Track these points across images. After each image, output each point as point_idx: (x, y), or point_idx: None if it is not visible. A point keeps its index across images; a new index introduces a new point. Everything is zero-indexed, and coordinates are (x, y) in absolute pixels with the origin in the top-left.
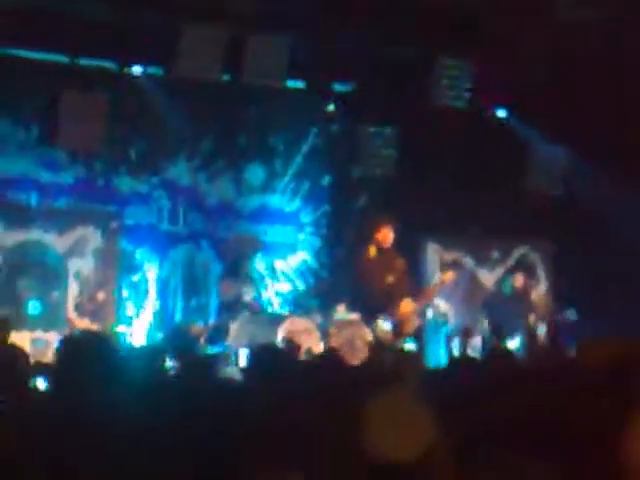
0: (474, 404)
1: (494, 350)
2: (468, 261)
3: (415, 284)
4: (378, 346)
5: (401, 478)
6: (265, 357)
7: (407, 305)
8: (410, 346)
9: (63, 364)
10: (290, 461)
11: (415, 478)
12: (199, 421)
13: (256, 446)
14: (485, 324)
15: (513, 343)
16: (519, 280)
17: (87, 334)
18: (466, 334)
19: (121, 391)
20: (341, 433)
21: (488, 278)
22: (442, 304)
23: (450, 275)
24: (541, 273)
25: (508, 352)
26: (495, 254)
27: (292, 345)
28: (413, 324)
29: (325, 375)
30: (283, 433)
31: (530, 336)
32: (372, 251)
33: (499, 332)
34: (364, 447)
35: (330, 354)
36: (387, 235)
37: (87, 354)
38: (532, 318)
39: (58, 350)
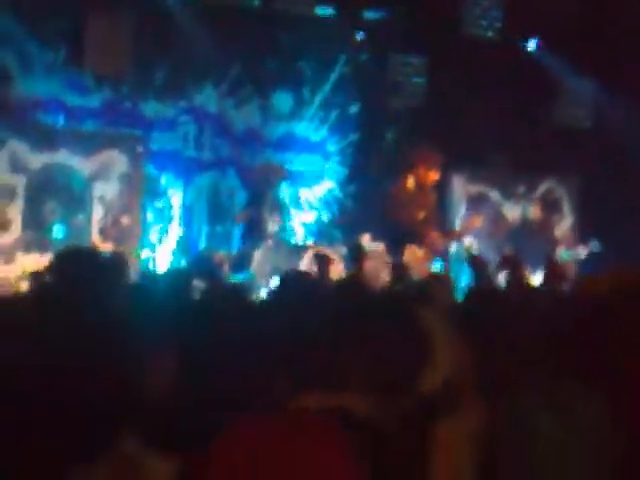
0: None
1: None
2: (494, 195)
3: (442, 218)
4: (401, 270)
5: (429, 401)
6: (292, 280)
7: (437, 239)
8: (438, 268)
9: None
10: (317, 382)
11: (443, 401)
12: (226, 342)
13: (282, 366)
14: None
15: (537, 276)
16: (536, 211)
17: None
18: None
19: (145, 313)
20: (370, 356)
21: (513, 212)
22: (466, 238)
23: (478, 221)
24: (566, 207)
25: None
26: (521, 188)
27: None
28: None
29: (352, 296)
30: (311, 355)
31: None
32: (410, 183)
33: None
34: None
35: (356, 277)
36: (432, 174)
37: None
38: (557, 252)
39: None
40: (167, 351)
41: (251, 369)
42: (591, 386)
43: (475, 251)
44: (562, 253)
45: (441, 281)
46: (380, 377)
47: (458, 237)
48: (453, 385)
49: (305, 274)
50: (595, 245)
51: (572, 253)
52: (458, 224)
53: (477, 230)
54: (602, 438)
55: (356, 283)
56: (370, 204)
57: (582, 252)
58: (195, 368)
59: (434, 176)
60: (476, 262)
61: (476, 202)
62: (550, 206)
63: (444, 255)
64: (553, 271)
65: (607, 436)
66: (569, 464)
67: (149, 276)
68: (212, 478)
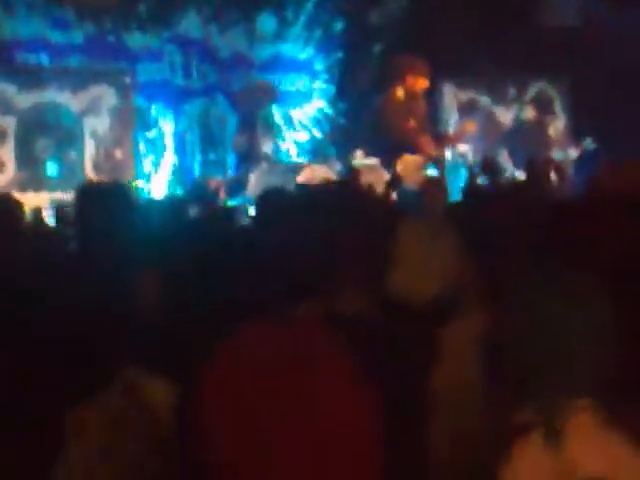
0: (500, 231)
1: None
2: (484, 100)
3: (433, 126)
4: (395, 181)
5: (427, 309)
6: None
7: (429, 148)
8: (432, 172)
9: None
10: (310, 290)
11: (441, 308)
12: (221, 261)
13: (281, 276)
14: (504, 158)
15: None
16: (530, 112)
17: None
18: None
19: (143, 238)
20: (364, 261)
21: (505, 116)
22: (460, 145)
23: (472, 125)
24: (559, 107)
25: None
26: (512, 91)
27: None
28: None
29: (345, 201)
30: (306, 263)
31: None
32: (399, 93)
33: (520, 165)
34: (389, 277)
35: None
36: (420, 82)
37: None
38: (551, 152)
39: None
40: (166, 272)
41: (249, 283)
42: (592, 277)
43: (469, 158)
44: (555, 154)
45: (435, 184)
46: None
47: (452, 143)
48: (453, 290)
49: (282, 190)
50: (589, 144)
51: (565, 154)
52: (451, 132)
53: (470, 136)
54: (606, 325)
55: (346, 190)
56: (361, 120)
57: (575, 152)
58: (193, 286)
59: (422, 84)
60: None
61: (467, 109)
62: (543, 107)
63: (438, 161)
64: (547, 170)
65: (611, 324)
66: (574, 350)
67: (145, 204)
68: (209, 391)
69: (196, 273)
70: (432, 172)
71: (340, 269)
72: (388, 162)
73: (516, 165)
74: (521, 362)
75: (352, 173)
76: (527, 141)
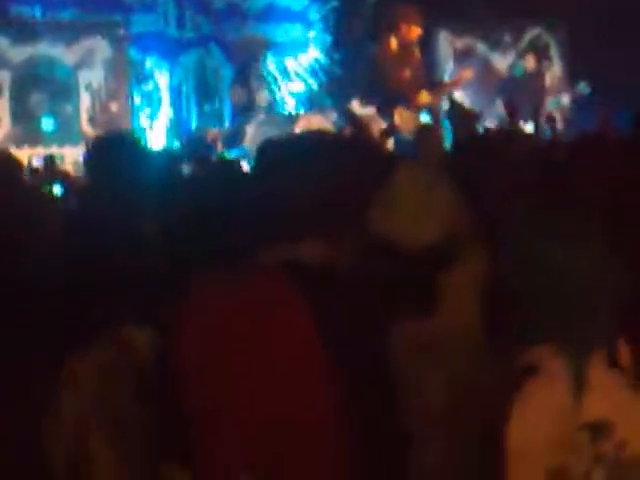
0: (495, 179)
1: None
2: (480, 47)
3: (429, 75)
4: (390, 130)
5: (425, 257)
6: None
7: (425, 97)
8: (426, 119)
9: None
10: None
11: (440, 256)
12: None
13: (274, 223)
14: (500, 108)
15: (528, 126)
16: (530, 62)
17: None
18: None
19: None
20: (359, 211)
21: (501, 63)
22: (456, 93)
23: (469, 73)
24: (554, 53)
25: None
26: (507, 37)
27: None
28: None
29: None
30: (302, 210)
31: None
32: (393, 42)
33: (514, 114)
34: (384, 223)
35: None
36: (414, 30)
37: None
38: (547, 100)
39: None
40: (164, 223)
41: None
42: (594, 219)
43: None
44: (550, 101)
45: (429, 131)
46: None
47: (448, 91)
48: (451, 236)
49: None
50: (584, 87)
51: (560, 100)
52: (447, 80)
53: (466, 84)
54: (605, 266)
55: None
56: (357, 69)
57: (570, 98)
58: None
59: (416, 32)
60: (457, 110)
61: (463, 56)
62: (539, 53)
63: (433, 110)
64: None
65: (612, 266)
66: (576, 293)
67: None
68: (180, 338)
69: (190, 225)
70: (426, 120)
71: (326, 217)
72: (385, 112)
73: (510, 115)
74: (522, 305)
75: (355, 121)
76: (525, 90)
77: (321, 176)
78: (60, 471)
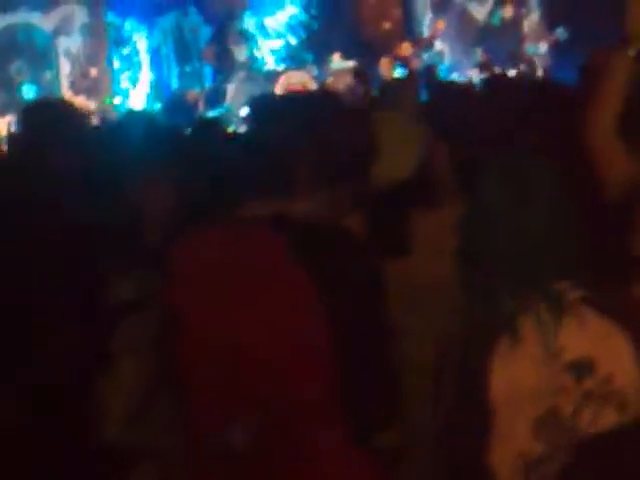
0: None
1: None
2: None
3: (408, 28)
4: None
5: (400, 192)
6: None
7: (406, 48)
8: (401, 72)
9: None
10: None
11: (415, 191)
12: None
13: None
14: (480, 56)
15: (509, 73)
16: (508, 10)
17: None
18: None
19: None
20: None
21: (479, 11)
22: (436, 43)
23: (442, 24)
24: (532, 1)
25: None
26: None
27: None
28: (413, 66)
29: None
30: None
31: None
32: None
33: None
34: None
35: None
36: None
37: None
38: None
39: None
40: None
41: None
42: (547, 159)
43: (445, 55)
44: (528, 48)
45: (403, 82)
46: (326, 171)
47: (428, 44)
48: (425, 177)
49: (271, 95)
50: (562, 33)
51: (538, 46)
52: (426, 31)
53: (445, 34)
54: (557, 209)
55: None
56: (336, 24)
57: (547, 44)
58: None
59: None
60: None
61: (441, 6)
62: (517, 1)
63: (407, 61)
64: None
65: (562, 208)
66: (545, 234)
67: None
68: (166, 293)
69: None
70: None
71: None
72: (366, 64)
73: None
74: (495, 251)
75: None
76: (502, 38)
77: (310, 131)
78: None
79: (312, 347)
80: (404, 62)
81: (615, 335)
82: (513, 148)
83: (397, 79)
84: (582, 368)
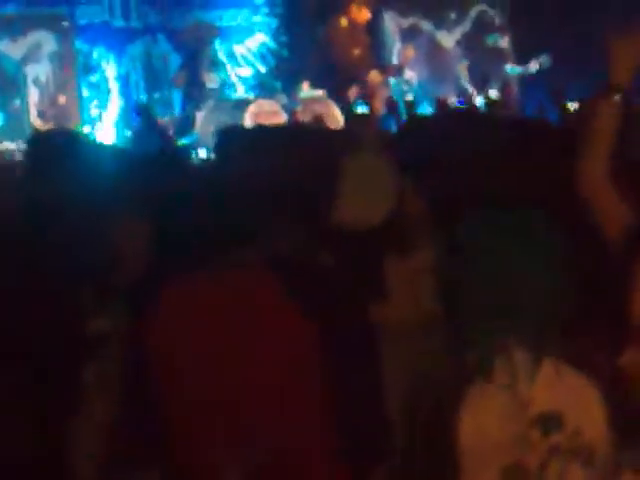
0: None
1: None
2: (426, 25)
3: (377, 55)
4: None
5: (373, 239)
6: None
7: (375, 76)
8: (362, 109)
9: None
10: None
11: (388, 237)
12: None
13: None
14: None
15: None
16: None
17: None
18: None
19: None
20: (309, 194)
21: (447, 40)
22: (406, 71)
23: (411, 51)
24: (502, 26)
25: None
26: (453, 15)
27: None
28: (382, 94)
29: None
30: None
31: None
32: (343, 22)
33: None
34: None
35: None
36: (364, 13)
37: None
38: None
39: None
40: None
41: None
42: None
43: (414, 83)
44: (509, 69)
45: (363, 118)
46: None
47: (396, 72)
48: (397, 223)
49: (240, 127)
50: (545, 60)
51: (520, 69)
52: (395, 59)
53: (415, 62)
54: (539, 261)
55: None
56: (305, 52)
57: (532, 67)
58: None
59: (366, 15)
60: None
61: (409, 35)
62: (484, 28)
63: (385, 91)
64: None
65: (562, 259)
66: (517, 287)
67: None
68: (158, 336)
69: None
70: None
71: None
72: (336, 92)
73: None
74: (467, 301)
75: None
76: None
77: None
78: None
79: (309, 390)
80: (371, 92)
81: (586, 390)
82: (493, 188)
83: (360, 115)
84: (550, 421)
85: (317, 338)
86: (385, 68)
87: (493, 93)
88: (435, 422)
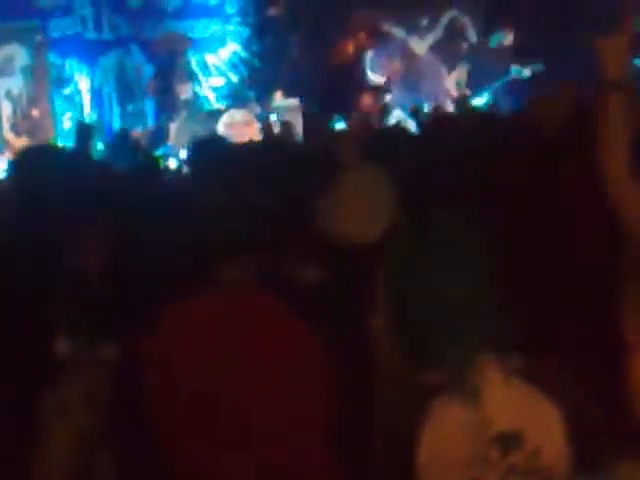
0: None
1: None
2: (398, 31)
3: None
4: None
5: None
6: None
7: (367, 100)
8: (341, 126)
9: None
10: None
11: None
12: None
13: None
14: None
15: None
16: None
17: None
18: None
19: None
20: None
21: (420, 46)
22: (377, 78)
23: (397, 65)
24: (472, 35)
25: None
26: (425, 21)
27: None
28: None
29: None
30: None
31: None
32: (349, 48)
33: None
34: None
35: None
36: (371, 41)
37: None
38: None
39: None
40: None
41: (180, 242)
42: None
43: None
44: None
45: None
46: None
47: (387, 89)
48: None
49: (215, 138)
50: (538, 67)
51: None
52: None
53: (387, 69)
54: (502, 278)
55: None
56: (277, 61)
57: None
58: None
59: (372, 43)
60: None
61: (382, 41)
62: (455, 34)
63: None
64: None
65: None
66: (471, 305)
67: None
68: (153, 356)
69: (133, 230)
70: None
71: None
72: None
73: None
74: (422, 320)
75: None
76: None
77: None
78: None
79: (309, 402)
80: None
81: (546, 409)
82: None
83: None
84: (510, 441)
85: (316, 351)
86: (375, 89)
87: (480, 101)
88: (396, 437)
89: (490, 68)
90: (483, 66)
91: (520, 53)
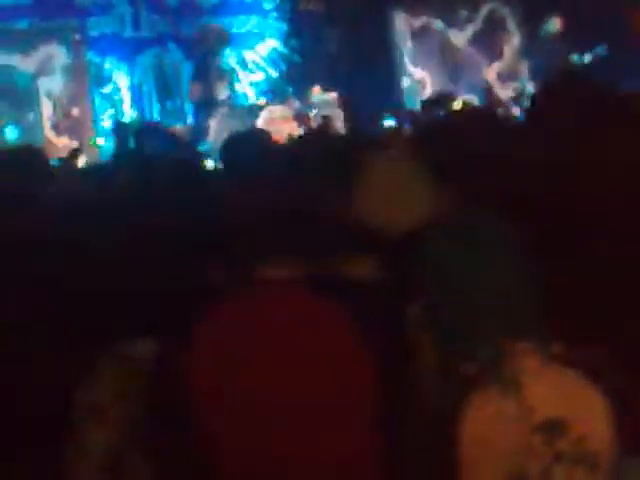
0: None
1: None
2: (437, 24)
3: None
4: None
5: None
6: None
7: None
8: (390, 122)
9: None
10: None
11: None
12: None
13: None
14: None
15: None
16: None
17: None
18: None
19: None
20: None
21: (458, 38)
22: (417, 71)
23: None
24: (512, 26)
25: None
26: (464, 13)
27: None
28: None
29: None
30: (265, 216)
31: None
32: None
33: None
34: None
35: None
36: None
37: None
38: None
39: None
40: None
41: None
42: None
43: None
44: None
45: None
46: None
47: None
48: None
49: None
50: (601, 50)
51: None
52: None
53: (426, 62)
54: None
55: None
56: (316, 56)
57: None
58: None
59: None
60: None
61: (421, 35)
62: (495, 26)
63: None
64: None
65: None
66: (508, 292)
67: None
68: (199, 362)
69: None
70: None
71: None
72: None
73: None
74: (458, 310)
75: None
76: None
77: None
78: None
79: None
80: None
81: (590, 394)
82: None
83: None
84: (553, 428)
85: (366, 352)
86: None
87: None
88: (438, 426)
89: (549, 60)
90: (541, 59)
91: (575, 40)
